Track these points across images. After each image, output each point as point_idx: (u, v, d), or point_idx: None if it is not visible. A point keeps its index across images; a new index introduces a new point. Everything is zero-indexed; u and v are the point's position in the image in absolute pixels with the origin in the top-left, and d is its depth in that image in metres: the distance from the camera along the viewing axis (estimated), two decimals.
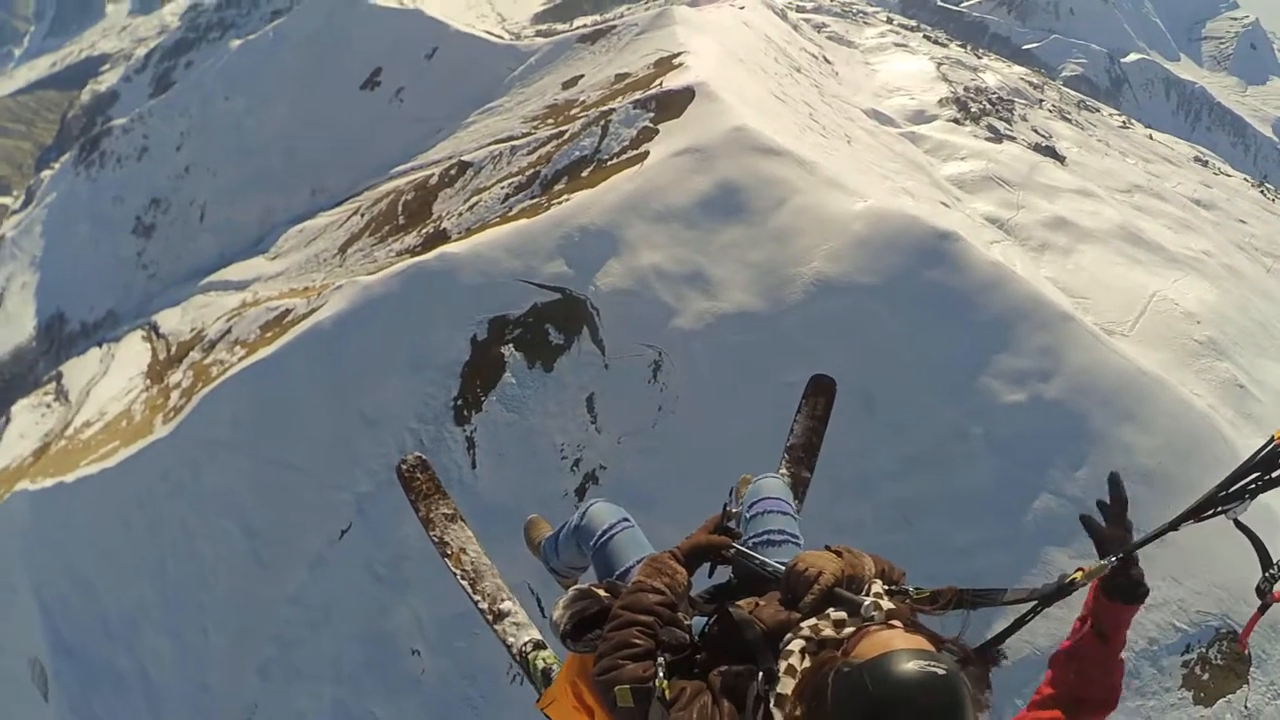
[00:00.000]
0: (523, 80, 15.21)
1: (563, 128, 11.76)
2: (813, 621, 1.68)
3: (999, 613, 2.11)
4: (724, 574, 2.26)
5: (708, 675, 1.75)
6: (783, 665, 1.59)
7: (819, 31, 19.73)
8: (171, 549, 9.56)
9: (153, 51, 27.01)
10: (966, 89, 16.83)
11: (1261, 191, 20.00)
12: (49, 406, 18.88)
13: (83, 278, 21.05)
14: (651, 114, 9.90)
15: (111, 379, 16.57)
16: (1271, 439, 1.71)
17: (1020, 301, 6.79)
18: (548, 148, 11.37)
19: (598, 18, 17.47)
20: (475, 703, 7.13)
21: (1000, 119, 15.81)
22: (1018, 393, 6.36)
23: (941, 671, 1.38)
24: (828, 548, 1.98)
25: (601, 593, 2.13)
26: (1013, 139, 14.83)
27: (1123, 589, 1.90)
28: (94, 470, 11.15)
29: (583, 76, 13.79)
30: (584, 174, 9.86)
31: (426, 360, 8.31)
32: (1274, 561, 1.79)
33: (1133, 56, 52.05)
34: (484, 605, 3.19)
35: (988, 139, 14.42)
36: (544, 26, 17.56)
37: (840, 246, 7.12)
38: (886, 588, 1.84)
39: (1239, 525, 1.80)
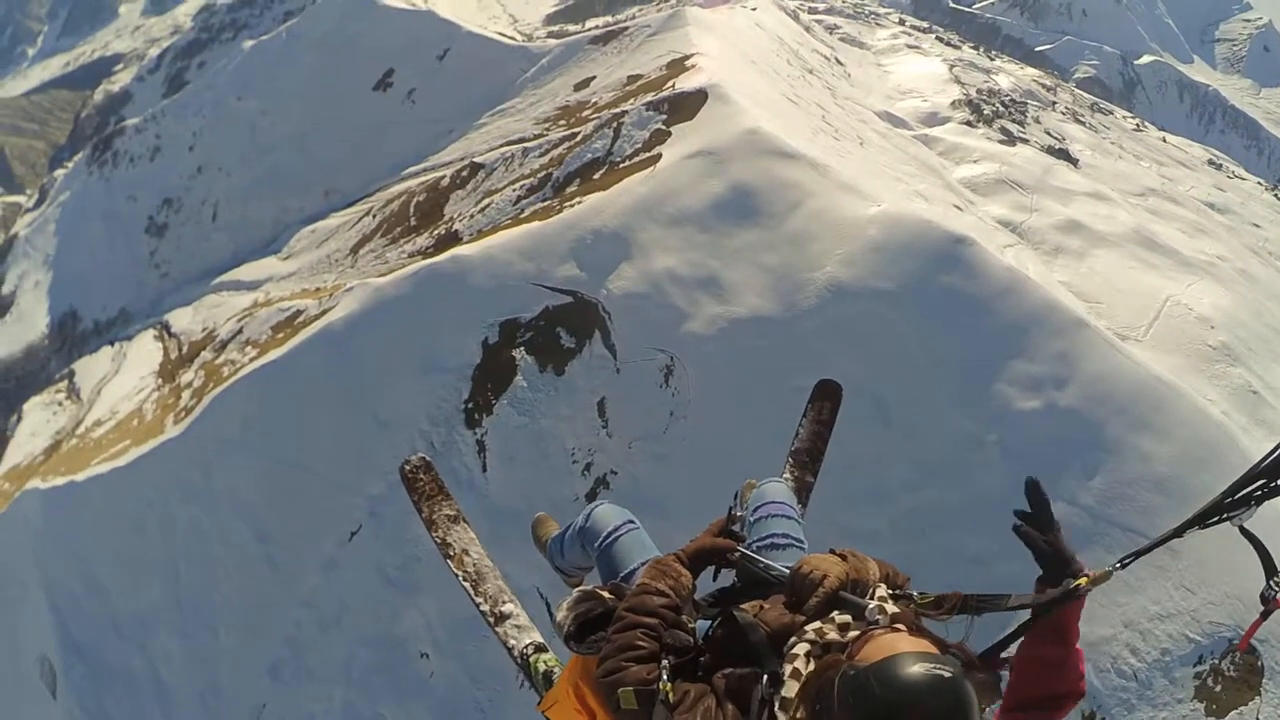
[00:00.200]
0: (535, 81, 15.21)
1: (575, 129, 11.74)
2: (817, 624, 1.68)
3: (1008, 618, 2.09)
4: (728, 577, 2.25)
5: (711, 678, 1.74)
6: (787, 668, 1.58)
7: (831, 33, 19.68)
8: (183, 549, 9.58)
9: (165, 52, 27.12)
10: (979, 91, 16.77)
11: (1275, 195, 19.89)
12: (61, 405, 18.97)
13: (95, 276, 21.14)
14: (664, 116, 9.87)
15: (123, 378, 16.63)
16: (1278, 446, 1.69)
17: (1035, 307, 6.74)
18: (560, 149, 11.35)
19: (610, 19, 17.47)
20: (483, 706, 7.12)
21: (1013, 121, 15.74)
22: (1032, 400, 6.31)
23: (948, 674, 1.37)
24: (832, 551, 1.98)
25: (606, 594, 2.14)
26: (1026, 141, 14.76)
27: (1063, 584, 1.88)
28: (105, 469, 11.18)
29: (595, 78, 13.77)
30: (596, 176, 9.84)
31: (437, 362, 8.29)
32: (1279, 568, 1.78)
33: (1146, 58, 51.76)
34: (486, 607, 3.21)
35: (1000, 141, 14.36)
36: (556, 28, 17.55)
37: (855, 251, 7.08)
38: (891, 592, 1.82)
39: (1244, 532, 1.79)
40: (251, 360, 11.08)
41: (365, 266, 13.33)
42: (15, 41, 68.18)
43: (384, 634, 7.76)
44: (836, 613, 1.71)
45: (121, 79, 29.69)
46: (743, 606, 1.90)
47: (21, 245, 24.30)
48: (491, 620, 3.16)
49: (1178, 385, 6.67)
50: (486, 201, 11.47)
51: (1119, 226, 11.34)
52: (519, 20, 19.29)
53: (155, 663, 9.50)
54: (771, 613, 1.84)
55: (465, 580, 3.30)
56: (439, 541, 3.45)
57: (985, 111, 15.63)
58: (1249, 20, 70.50)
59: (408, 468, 3.65)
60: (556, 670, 2.83)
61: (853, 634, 1.61)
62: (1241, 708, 5.52)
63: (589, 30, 15.87)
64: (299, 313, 11.91)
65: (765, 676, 1.63)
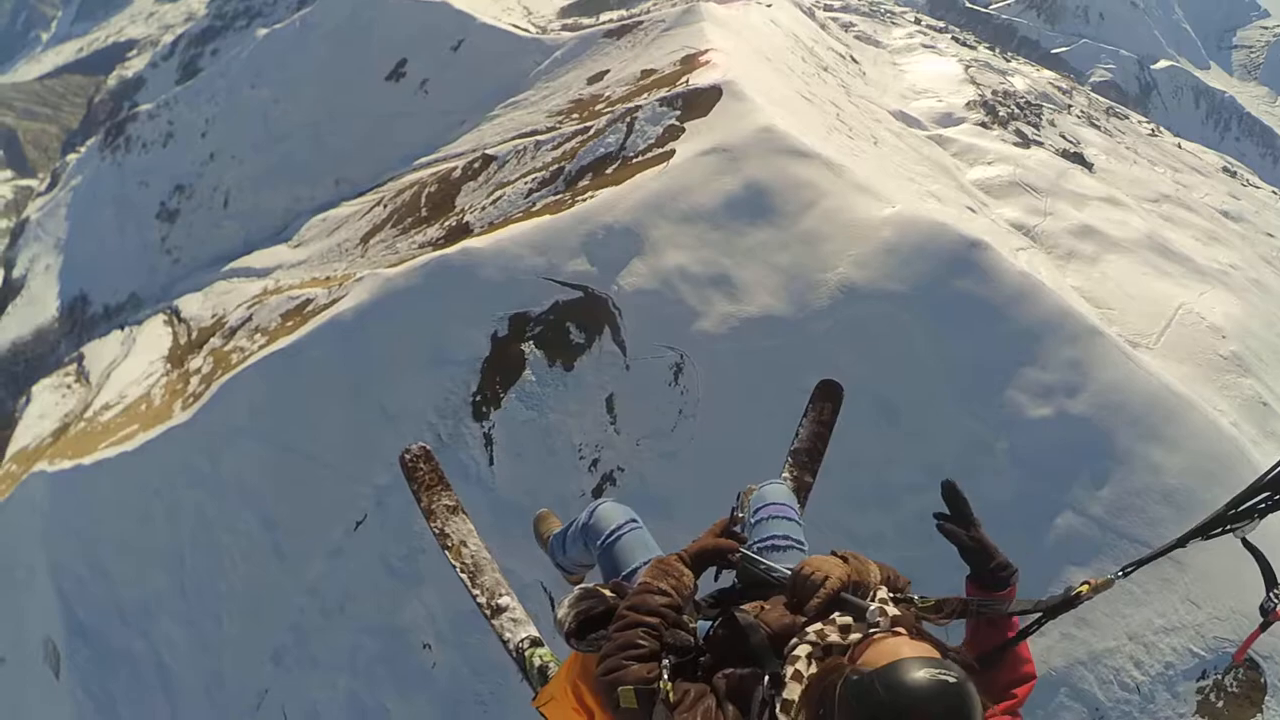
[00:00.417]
0: (548, 74, 15.17)
1: (588, 123, 11.71)
2: (818, 626, 1.68)
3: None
4: (729, 578, 2.26)
5: (712, 678, 1.75)
6: (789, 670, 1.59)
7: (846, 31, 19.60)
8: (189, 535, 9.62)
9: (179, 38, 27.12)
10: (995, 92, 16.68)
11: None
12: (69, 387, 19.04)
13: (106, 261, 21.20)
14: (678, 112, 9.83)
15: (132, 362, 16.67)
16: None
17: (1049, 314, 6.69)
18: (572, 143, 11.33)
19: (624, 13, 17.38)
20: (484, 699, 7.13)
21: (1028, 124, 15.66)
22: (1043, 407, 6.27)
23: (952, 680, 1.38)
24: (834, 553, 1.99)
25: (607, 593, 2.15)
26: (1040, 144, 14.68)
27: (992, 578, 1.95)
28: (112, 454, 11.23)
29: (608, 72, 13.73)
30: (609, 171, 9.81)
31: (446, 355, 8.29)
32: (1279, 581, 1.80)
33: (1162, 63, 51.42)
34: (482, 599, 3.21)
35: (1015, 144, 14.28)
36: (570, 20, 17.47)
37: (868, 252, 7.04)
38: (892, 595, 1.83)
39: (1246, 544, 1.81)
40: (260, 348, 11.10)
41: (375, 256, 13.33)
42: (30, 26, 68.39)
43: (387, 624, 7.78)
44: (837, 614, 1.71)
45: (135, 65, 29.72)
46: (744, 607, 1.91)
47: (33, 229, 24.38)
48: (488, 613, 3.17)
49: (1190, 397, 6.62)
50: (498, 194, 11.45)
51: (1132, 232, 11.27)
52: (533, 12, 19.21)
53: (159, 647, 9.55)
54: (772, 614, 1.85)
55: (463, 572, 3.31)
56: (437, 532, 3.46)
57: (1000, 113, 15.55)
58: (1266, 27, 70.03)
59: (408, 457, 3.66)
60: (552, 665, 2.82)
61: (854, 636, 1.62)
62: None
63: (603, 24, 15.82)
64: (308, 301, 11.93)
65: (766, 678, 1.64)
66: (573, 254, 8.15)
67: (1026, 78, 19.41)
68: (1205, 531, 1.81)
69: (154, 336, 17.15)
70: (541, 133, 12.78)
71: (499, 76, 15.93)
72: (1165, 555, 1.92)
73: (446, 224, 12.02)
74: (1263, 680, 5.54)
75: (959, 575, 2.03)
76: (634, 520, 2.67)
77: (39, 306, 22.38)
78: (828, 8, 21.58)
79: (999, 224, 10.77)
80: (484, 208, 11.39)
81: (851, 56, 17.03)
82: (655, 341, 7.34)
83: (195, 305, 17.13)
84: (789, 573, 1.95)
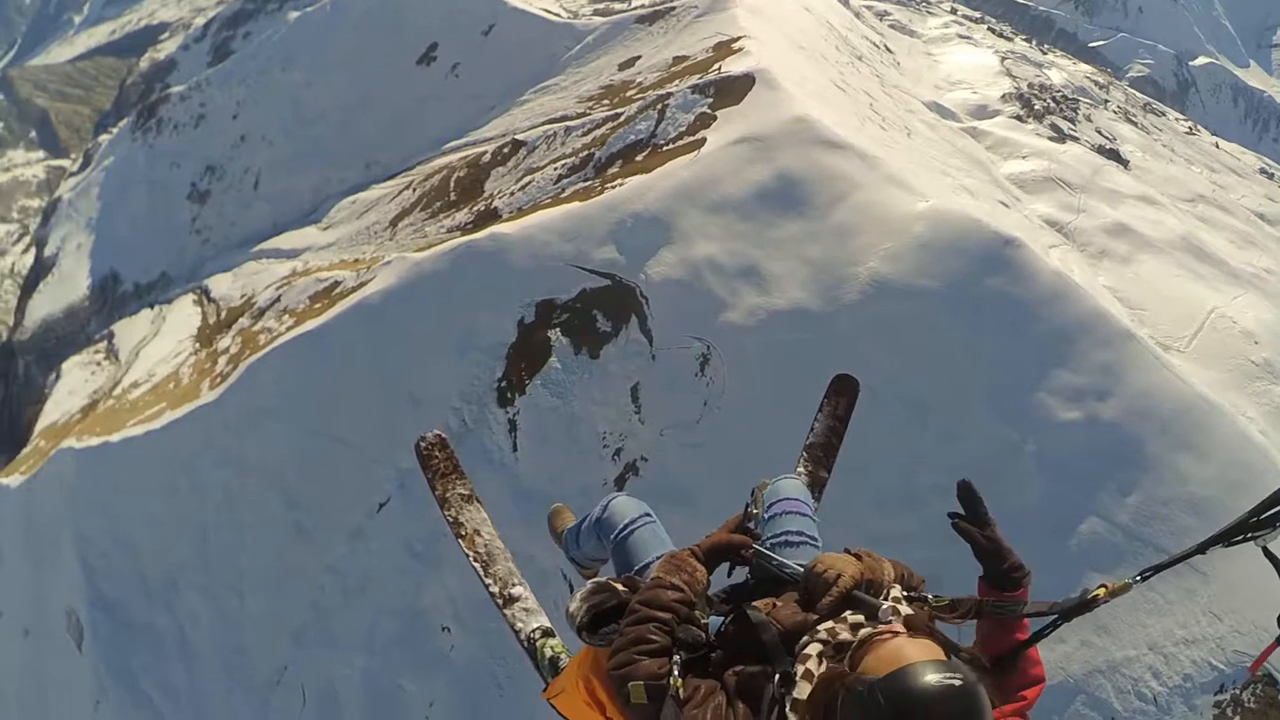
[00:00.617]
0: (579, 59, 15.08)
1: (618, 110, 11.64)
2: (829, 624, 1.67)
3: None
4: (742, 574, 2.25)
5: (722, 675, 1.74)
6: (799, 669, 1.57)
7: (881, 19, 19.34)
8: (213, 513, 9.70)
9: (211, 21, 27.24)
10: (1030, 85, 16.41)
11: None
12: (99, 365, 19.27)
13: (137, 240, 21.39)
14: (710, 99, 9.73)
15: (161, 341, 16.84)
16: None
17: (1083, 316, 6.58)
18: (603, 129, 11.26)
19: None
20: (502, 683, 7.16)
21: (1064, 118, 15.40)
22: (1073, 411, 6.18)
23: (958, 682, 1.34)
24: (847, 550, 1.97)
25: (620, 587, 2.14)
26: (1076, 139, 14.44)
27: (1006, 578, 1.93)
28: (139, 431, 11.34)
29: (640, 58, 13.63)
30: (639, 158, 9.74)
31: (473, 340, 8.29)
32: None
33: (1201, 60, 50.35)
34: (495, 589, 3.21)
35: (1050, 138, 14.05)
36: (602, 5, 17.33)
37: (900, 247, 6.94)
38: (905, 593, 1.82)
39: (1267, 554, 1.76)
40: (288, 329, 11.16)
41: (404, 239, 13.36)
42: (62, 9, 69.04)
43: (407, 606, 7.82)
44: (849, 612, 1.69)
45: (167, 47, 29.90)
46: (756, 604, 1.89)
47: (65, 208, 24.65)
48: (500, 602, 3.17)
49: (1221, 405, 6.51)
50: (527, 179, 11.42)
51: (1167, 233, 11.06)
52: None
53: (181, 622, 9.66)
54: (784, 611, 1.84)
55: (475, 561, 3.31)
56: (451, 520, 3.46)
57: (1036, 107, 15.30)
58: None
59: (423, 445, 3.65)
60: (563, 656, 2.81)
61: (864, 633, 1.59)
62: None
63: (635, 9, 15.66)
64: (337, 284, 11.97)
65: (777, 676, 1.62)
66: (601, 242, 8.10)
67: (1063, 71, 19.08)
68: (1227, 538, 1.77)
69: (183, 316, 17.30)
70: (572, 118, 12.72)
71: (530, 61, 15.86)
72: (1185, 561, 1.87)
73: (475, 209, 12.00)
74: (1255, 674, 5.48)
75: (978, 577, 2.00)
76: (648, 514, 2.67)
77: (70, 284, 22.64)
78: None
79: (1032, 220, 10.60)
80: (513, 193, 11.36)
81: (886, 45, 16.82)
82: (682, 332, 7.30)
83: (225, 285, 17.26)
84: (802, 569, 1.93)
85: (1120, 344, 6.49)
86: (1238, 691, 5.45)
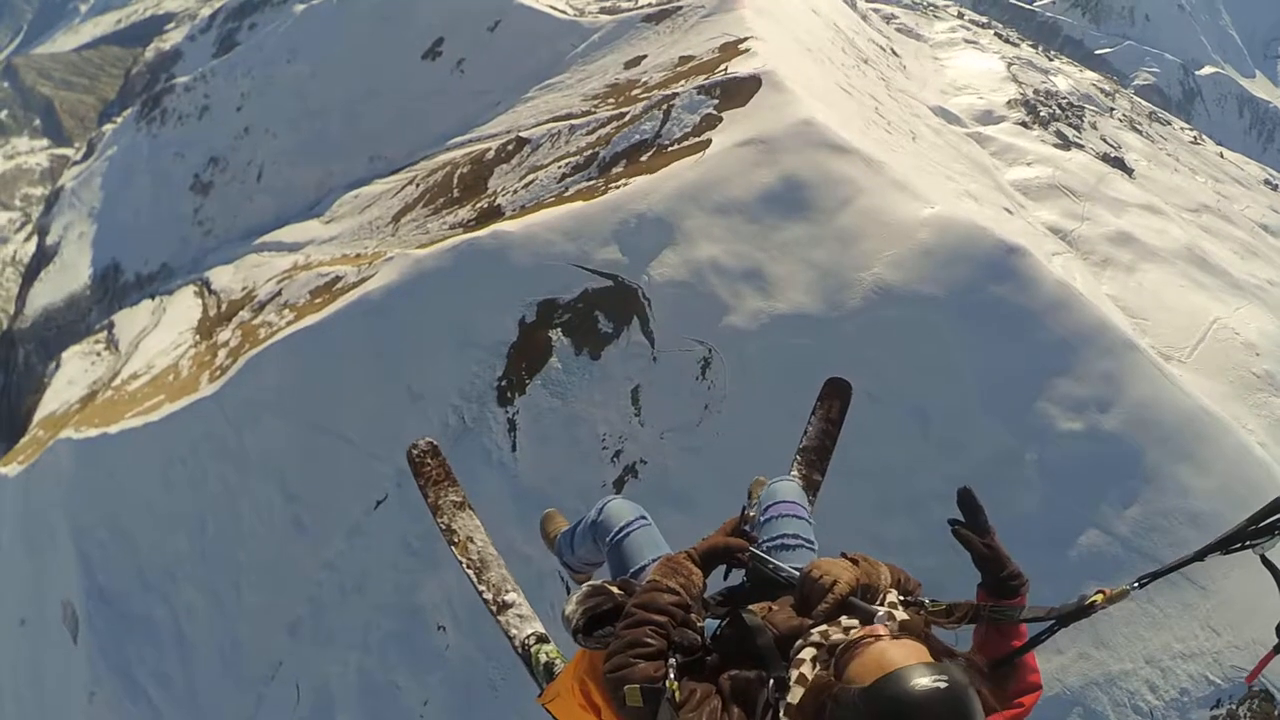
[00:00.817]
0: (584, 57, 15.03)
1: (623, 109, 11.61)
2: (824, 628, 1.66)
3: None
4: (738, 577, 2.25)
5: (718, 678, 1.74)
6: (793, 673, 1.57)
7: (888, 23, 19.30)
8: (211, 506, 9.70)
9: (217, 12, 27.14)
10: (1036, 91, 16.37)
11: None
12: (99, 355, 19.24)
13: (139, 230, 21.34)
14: (716, 100, 9.70)
15: (161, 332, 16.80)
16: None
17: (1086, 325, 6.57)
18: (607, 129, 11.23)
19: None
20: (497, 684, 7.15)
21: (1069, 125, 15.36)
22: (1075, 421, 6.17)
23: (945, 684, 1.33)
24: (844, 555, 1.97)
25: (615, 590, 2.14)
26: (1081, 147, 14.39)
27: (1004, 586, 1.94)
28: (138, 423, 11.33)
29: (646, 57, 13.58)
30: (644, 158, 9.71)
31: (473, 338, 8.28)
32: None
33: (1207, 69, 50.29)
34: (488, 595, 3.21)
35: (1056, 145, 14.01)
36: (608, 3, 17.27)
37: (904, 253, 6.92)
38: (901, 598, 1.81)
39: (1265, 562, 1.78)
40: (288, 324, 11.14)
41: (406, 235, 13.33)
42: None
43: (403, 603, 7.81)
44: (844, 617, 1.69)
45: (173, 37, 29.79)
46: (751, 608, 1.89)
47: (67, 197, 24.60)
48: (494, 608, 3.18)
49: (1223, 418, 6.50)
50: (531, 177, 11.39)
51: (1171, 242, 11.04)
52: None
53: (177, 614, 9.65)
54: (780, 615, 1.84)
55: (469, 568, 3.31)
56: (443, 527, 3.46)
57: (1041, 113, 15.26)
58: None
59: (415, 452, 3.65)
60: (558, 662, 2.81)
61: (855, 634, 1.59)
62: None
63: (641, 7, 15.61)
64: (338, 279, 11.95)
65: (771, 680, 1.62)
66: (604, 242, 8.08)
67: (1069, 78, 19.04)
68: (1224, 546, 1.79)
69: (184, 307, 17.27)
70: (576, 117, 12.69)
71: (535, 58, 15.83)
72: (1184, 575, 1.88)
73: (478, 206, 11.98)
74: (1277, 714, 5.46)
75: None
76: (643, 517, 2.67)
77: (71, 274, 22.60)
78: None
79: (1036, 227, 10.59)
80: (516, 191, 11.33)
81: (892, 49, 16.79)
82: (684, 334, 7.28)
83: (226, 277, 17.23)
84: (798, 573, 1.94)
85: (1122, 354, 6.48)
86: (1234, 707, 5.44)
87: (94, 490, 11.35)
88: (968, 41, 19.50)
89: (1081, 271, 9.73)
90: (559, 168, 11.03)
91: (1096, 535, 5.82)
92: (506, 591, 3.22)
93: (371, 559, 8.17)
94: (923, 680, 1.33)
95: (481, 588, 3.24)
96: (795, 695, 1.53)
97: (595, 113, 12.41)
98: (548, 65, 15.52)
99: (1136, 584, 1.85)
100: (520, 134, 13.34)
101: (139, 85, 28.81)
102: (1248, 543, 1.75)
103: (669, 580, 1.98)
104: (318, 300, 11.62)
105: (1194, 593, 5.56)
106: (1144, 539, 5.75)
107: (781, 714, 1.53)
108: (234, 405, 9.99)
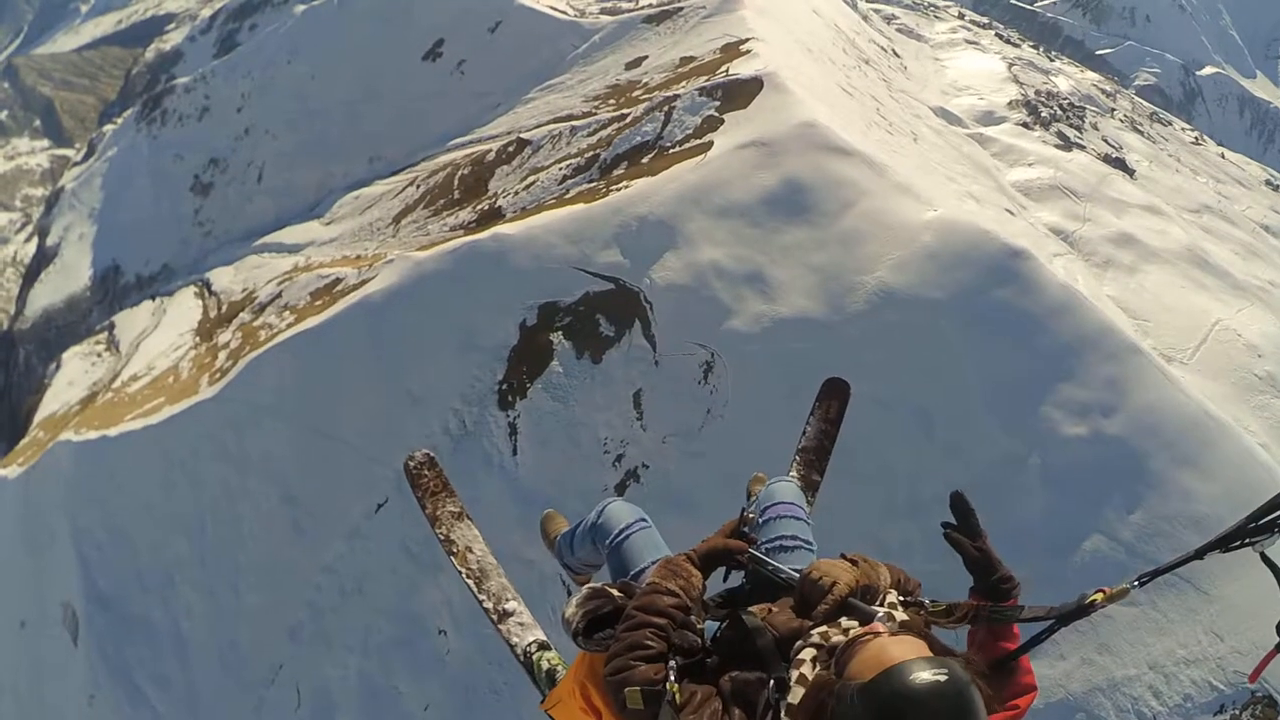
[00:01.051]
0: (585, 58, 15.01)
1: (625, 110, 11.58)
2: (824, 629, 1.65)
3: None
4: (738, 578, 2.25)
5: (718, 680, 1.73)
6: (794, 674, 1.56)
7: (889, 23, 19.28)
8: (211, 508, 9.68)
9: (218, 13, 27.12)
10: (1038, 92, 16.35)
11: None
12: (99, 356, 19.23)
13: (140, 231, 21.34)
14: (717, 102, 9.67)
15: (162, 334, 16.79)
16: None
17: (1089, 329, 6.53)
18: (608, 130, 11.20)
19: None
20: (498, 688, 7.12)
21: (1071, 126, 15.34)
22: (1079, 425, 6.14)
23: (945, 677, 1.32)
24: (843, 556, 1.96)
25: (615, 592, 2.13)
26: (1082, 148, 14.38)
27: (995, 589, 1.95)
28: (138, 426, 11.31)
29: (647, 58, 13.56)
30: (645, 160, 9.68)
31: (474, 341, 8.25)
32: None
33: (1208, 70, 50.24)
34: (489, 604, 3.19)
35: (1057, 146, 13.99)
36: (609, 4, 17.24)
37: (907, 257, 6.89)
38: (901, 599, 1.81)
39: (1265, 560, 1.77)
40: (289, 326, 11.12)
41: (407, 237, 13.31)
42: None
43: (404, 608, 7.79)
44: (844, 618, 1.68)
45: (173, 38, 29.78)
46: (751, 609, 1.88)
47: (68, 198, 24.59)
48: (495, 617, 3.15)
49: (1227, 422, 6.46)
50: (531, 179, 11.37)
51: (1172, 243, 11.02)
52: None
53: (177, 616, 9.63)
54: (780, 616, 1.83)
55: (469, 578, 3.30)
56: (442, 538, 3.44)
57: (1042, 114, 15.24)
58: None
59: (412, 464, 3.65)
60: (560, 669, 2.80)
61: (851, 634, 1.58)
62: None
63: (642, 8, 15.59)
64: (338, 280, 11.93)
65: (771, 681, 1.61)
66: (605, 244, 8.06)
67: (1070, 78, 19.02)
68: (1224, 544, 1.78)
69: (185, 308, 17.26)
70: (577, 118, 12.67)
71: (536, 59, 15.81)
72: (1188, 580, 1.86)
73: (479, 207, 11.95)
74: (1253, 684, 5.44)
75: None
76: (643, 519, 2.66)
77: (72, 275, 22.59)
78: None
79: (1037, 228, 10.56)
80: (517, 192, 11.31)
81: (893, 50, 16.76)
82: (686, 338, 7.25)
83: (226, 279, 17.21)
84: (798, 574, 1.92)
85: (1126, 358, 6.45)
86: (1237, 712, 5.41)
87: (94, 492, 11.33)
88: (969, 42, 19.49)
89: (1083, 273, 9.71)
90: (560, 169, 11.01)
91: (1100, 540, 5.79)
92: (507, 600, 3.20)
93: (371, 562, 8.14)
94: (923, 674, 1.32)
95: (482, 597, 3.22)
96: (796, 695, 1.52)
97: (596, 114, 12.38)
98: (548, 66, 15.50)
99: (1136, 582, 1.85)
100: (521, 135, 13.32)
101: (139, 86, 28.81)
102: (1247, 540, 1.75)
103: (669, 582, 1.97)
104: (318, 302, 11.59)
105: (1197, 598, 5.54)
106: (1147, 544, 5.72)
107: (782, 714, 1.52)
108: (234, 408, 9.97)
